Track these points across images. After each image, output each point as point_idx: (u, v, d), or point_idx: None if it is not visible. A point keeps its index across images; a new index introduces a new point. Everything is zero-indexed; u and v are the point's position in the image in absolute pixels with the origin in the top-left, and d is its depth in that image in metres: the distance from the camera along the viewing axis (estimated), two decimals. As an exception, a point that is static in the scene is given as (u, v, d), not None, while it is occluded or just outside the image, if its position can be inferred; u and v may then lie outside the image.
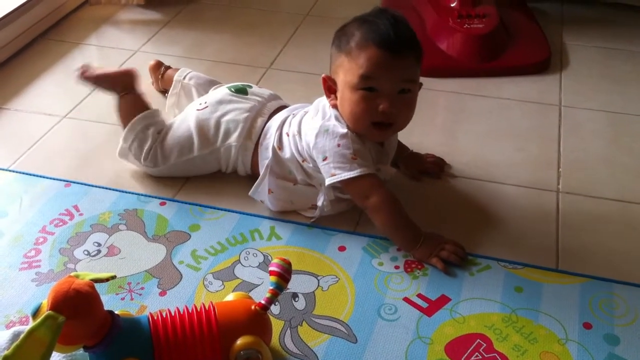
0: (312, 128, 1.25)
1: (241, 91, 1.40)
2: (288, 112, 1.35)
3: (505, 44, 1.85)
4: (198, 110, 1.37)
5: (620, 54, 1.91)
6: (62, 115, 1.60)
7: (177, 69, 1.60)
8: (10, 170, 1.41)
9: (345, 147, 1.21)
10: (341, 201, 1.29)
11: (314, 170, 1.27)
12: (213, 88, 1.49)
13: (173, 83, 1.56)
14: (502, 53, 1.83)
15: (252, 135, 1.33)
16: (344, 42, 1.21)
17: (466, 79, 1.77)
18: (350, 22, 1.23)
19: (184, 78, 1.54)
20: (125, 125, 1.37)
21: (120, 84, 1.41)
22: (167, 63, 1.82)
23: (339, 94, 1.23)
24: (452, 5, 1.89)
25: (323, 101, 1.29)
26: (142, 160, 1.36)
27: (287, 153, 1.29)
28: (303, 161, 1.28)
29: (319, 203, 1.27)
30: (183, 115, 1.40)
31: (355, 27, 1.21)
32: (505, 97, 1.71)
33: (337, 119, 1.24)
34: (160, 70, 1.66)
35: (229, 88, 1.41)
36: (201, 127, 1.35)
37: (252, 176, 1.35)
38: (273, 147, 1.29)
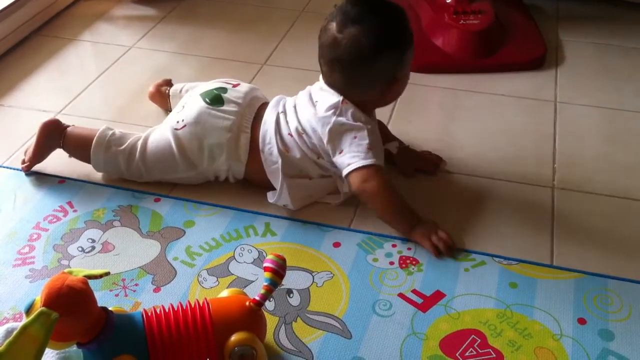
0: (322, 124, 1.25)
1: (216, 100, 1.32)
2: (274, 110, 1.32)
3: (500, 41, 1.85)
4: (176, 129, 1.31)
5: (615, 50, 1.91)
6: (56, 112, 1.60)
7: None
8: (4, 167, 1.41)
9: (362, 138, 1.24)
10: None
11: (329, 164, 1.28)
12: (187, 90, 1.45)
13: (170, 100, 1.52)
14: (498, 49, 1.83)
15: (240, 154, 1.31)
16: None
17: (462, 75, 1.77)
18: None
19: (180, 91, 1.50)
20: (87, 160, 1.35)
21: (51, 137, 1.36)
22: (161, 59, 1.82)
23: (379, 88, 1.26)
24: (447, 1, 1.89)
25: (315, 92, 1.29)
26: (127, 174, 1.35)
27: (296, 153, 1.28)
28: (318, 158, 1.28)
29: (345, 190, 1.30)
30: (161, 131, 1.34)
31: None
32: (500, 93, 1.71)
33: (352, 113, 1.25)
34: (163, 95, 1.56)
35: (203, 97, 1.33)
36: (183, 149, 1.31)
37: (247, 181, 1.34)
38: (279, 150, 1.28)
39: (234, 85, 1.37)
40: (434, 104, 1.70)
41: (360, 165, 1.23)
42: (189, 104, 1.35)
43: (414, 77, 1.75)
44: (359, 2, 1.24)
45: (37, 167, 1.40)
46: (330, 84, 1.28)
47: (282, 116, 1.31)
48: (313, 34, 1.30)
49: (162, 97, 1.56)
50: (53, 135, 1.36)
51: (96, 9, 2.04)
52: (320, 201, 1.33)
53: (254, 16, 2.06)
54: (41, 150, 1.37)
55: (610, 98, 1.69)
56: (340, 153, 1.25)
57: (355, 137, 1.25)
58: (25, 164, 1.38)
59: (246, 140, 1.31)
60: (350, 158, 1.24)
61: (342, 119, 1.25)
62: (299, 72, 1.76)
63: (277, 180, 1.28)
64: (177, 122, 1.33)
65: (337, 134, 1.25)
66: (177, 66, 1.80)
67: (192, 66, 1.79)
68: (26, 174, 1.38)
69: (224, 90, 1.35)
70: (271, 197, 1.30)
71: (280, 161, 1.27)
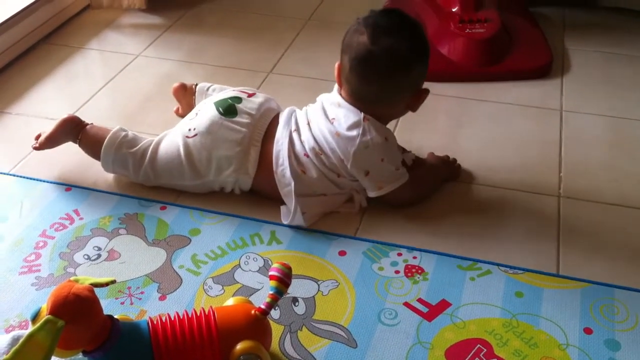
0: (345, 145, 1.25)
1: (230, 111, 1.32)
2: (286, 128, 1.30)
3: (506, 49, 1.85)
4: (188, 137, 1.32)
5: (621, 58, 1.90)
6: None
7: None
8: (11, 175, 1.42)
9: (389, 161, 1.28)
10: None
11: (350, 180, 1.30)
12: (214, 89, 1.47)
13: (195, 96, 1.52)
14: (504, 58, 1.83)
15: (249, 168, 1.30)
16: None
17: (467, 84, 1.77)
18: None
19: (207, 89, 1.50)
20: (99, 158, 1.36)
21: (69, 133, 1.38)
22: (168, 68, 1.83)
23: (407, 99, 1.29)
24: (453, 10, 1.89)
25: (330, 108, 1.28)
26: (134, 177, 1.35)
27: (313, 174, 1.28)
28: (339, 177, 1.29)
29: (364, 204, 1.33)
30: (172, 137, 1.34)
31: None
32: (506, 101, 1.71)
33: (376, 129, 1.26)
34: (188, 91, 1.55)
35: (217, 106, 1.33)
36: (191, 158, 1.31)
37: (253, 193, 1.34)
38: (293, 172, 1.27)
39: (249, 95, 1.37)
40: (440, 112, 1.70)
41: (395, 187, 1.29)
42: (203, 112, 1.35)
43: (419, 85, 1.76)
44: (389, 14, 1.26)
45: (44, 176, 1.40)
46: (360, 97, 1.26)
47: (295, 135, 1.30)
48: (319, 43, 1.30)
49: (186, 92, 1.55)
50: (71, 132, 1.38)
51: (104, 18, 2.05)
52: (334, 210, 1.33)
53: (260, 25, 2.06)
54: (55, 141, 1.39)
55: (617, 106, 1.69)
56: (367, 175, 1.27)
57: (382, 160, 1.27)
58: (37, 145, 1.40)
59: (256, 154, 1.30)
60: (381, 182, 1.28)
61: (366, 139, 1.25)
62: (305, 81, 1.76)
63: (289, 202, 1.27)
64: (190, 129, 1.33)
65: (362, 156, 1.25)
66: (183, 74, 1.80)
67: (199, 74, 1.80)
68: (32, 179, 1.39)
69: (239, 100, 1.35)
70: (285, 218, 1.28)
71: (292, 183, 1.26)
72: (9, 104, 1.66)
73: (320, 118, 1.29)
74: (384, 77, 1.24)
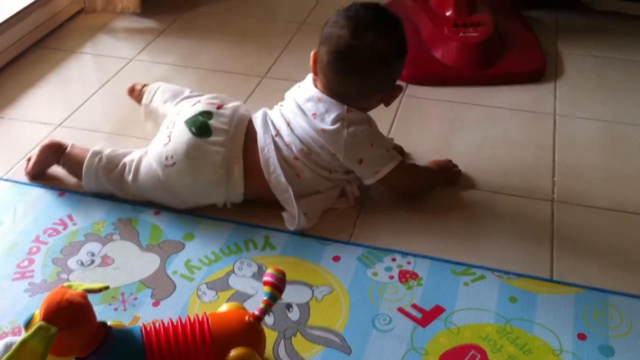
0: (333, 139, 1.25)
1: (203, 131, 1.27)
2: (267, 133, 1.28)
3: (500, 53, 1.85)
4: (167, 166, 1.27)
5: (614, 62, 1.91)
6: (57, 124, 1.60)
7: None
8: (4, 180, 1.41)
9: (378, 145, 1.29)
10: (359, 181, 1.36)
11: (342, 174, 1.31)
12: (175, 113, 1.35)
13: (142, 108, 1.49)
14: (497, 61, 1.83)
15: (236, 186, 1.28)
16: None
17: (461, 88, 1.78)
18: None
19: (150, 101, 1.47)
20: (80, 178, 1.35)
21: (52, 158, 1.38)
22: (162, 72, 1.82)
23: (384, 94, 1.30)
24: (447, 14, 1.90)
25: (307, 105, 1.28)
26: (121, 196, 1.34)
27: (307, 175, 1.28)
28: (331, 172, 1.30)
29: (356, 193, 1.34)
30: (150, 162, 1.29)
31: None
32: (500, 105, 1.71)
33: (358, 118, 1.27)
34: (138, 93, 1.54)
35: (189, 127, 1.28)
36: (173, 187, 1.28)
37: (245, 201, 1.33)
38: (289, 177, 1.26)
39: (218, 107, 1.32)
40: (434, 116, 1.70)
41: (390, 169, 1.29)
42: (176, 135, 1.29)
43: (413, 89, 1.77)
44: (371, 8, 1.25)
45: (38, 181, 1.40)
46: (337, 92, 1.26)
47: (278, 139, 1.28)
48: (314, 47, 1.30)
49: (137, 93, 1.55)
50: (52, 157, 1.39)
51: (97, 22, 2.05)
52: (331, 207, 1.33)
53: (254, 29, 2.06)
54: (41, 166, 1.40)
55: (610, 110, 1.70)
56: (361, 164, 1.28)
57: (372, 145, 1.28)
58: (29, 170, 1.40)
59: (239, 171, 1.27)
60: (376, 166, 1.28)
61: (352, 130, 1.26)
62: (299, 85, 1.76)
63: (291, 208, 1.27)
64: (167, 158, 1.28)
65: (353, 146, 1.26)
66: (176, 78, 1.80)
67: (192, 79, 1.80)
68: (30, 182, 1.39)
69: (209, 115, 1.29)
70: (290, 224, 1.27)
71: (290, 190, 1.26)
72: (2, 108, 1.65)
73: (299, 117, 1.28)
74: (364, 73, 1.24)
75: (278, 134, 1.29)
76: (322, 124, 1.26)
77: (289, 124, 1.29)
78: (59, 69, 1.83)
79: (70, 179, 1.40)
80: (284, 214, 1.28)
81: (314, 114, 1.27)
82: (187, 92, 1.44)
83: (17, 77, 1.78)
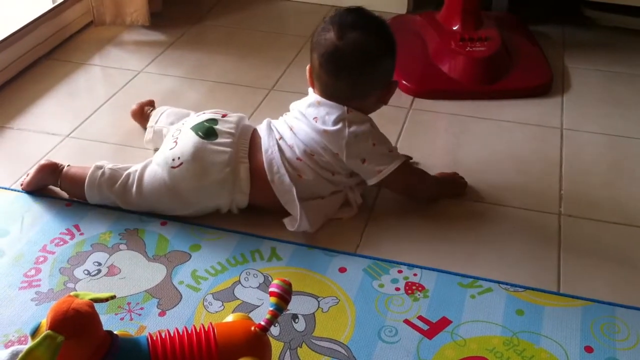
0: (335, 139, 1.28)
1: (210, 134, 1.30)
2: (271, 137, 1.31)
3: (507, 67, 1.86)
4: (173, 167, 1.29)
5: (621, 77, 1.91)
6: (65, 135, 1.61)
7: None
8: (12, 190, 1.42)
9: (381, 144, 1.31)
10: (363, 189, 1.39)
11: (345, 177, 1.33)
12: (181, 122, 1.39)
13: (148, 130, 1.52)
14: (504, 76, 1.84)
15: (242, 186, 1.30)
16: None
17: (468, 102, 1.78)
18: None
19: (156, 123, 1.49)
20: (84, 199, 1.35)
21: (48, 179, 1.38)
22: (170, 84, 1.83)
23: (379, 93, 1.32)
24: (454, 28, 1.90)
25: (308, 110, 1.30)
26: (124, 207, 1.34)
27: (310, 176, 1.29)
28: (333, 175, 1.31)
29: (358, 201, 1.36)
30: (154, 169, 1.31)
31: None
32: (507, 119, 1.72)
33: (359, 118, 1.29)
34: (146, 114, 1.58)
35: (196, 131, 1.31)
36: (178, 190, 1.29)
37: (252, 209, 1.34)
38: (293, 177, 1.28)
39: (223, 116, 1.35)
40: (440, 129, 1.70)
41: (393, 169, 1.30)
42: (182, 139, 1.31)
43: (420, 102, 1.77)
44: (353, 11, 1.30)
45: (45, 191, 1.40)
46: (332, 94, 1.30)
47: (282, 142, 1.31)
48: (320, 60, 1.31)
49: (143, 116, 1.58)
50: (48, 177, 1.38)
51: (106, 34, 2.06)
52: (334, 217, 1.34)
53: (262, 42, 2.07)
54: (35, 186, 1.39)
55: (617, 125, 1.70)
56: (364, 163, 1.29)
57: (374, 145, 1.30)
58: (22, 187, 1.40)
59: (246, 170, 1.29)
60: (378, 166, 1.30)
61: (354, 129, 1.28)
62: (306, 98, 1.76)
63: (293, 208, 1.28)
64: (173, 159, 1.29)
65: (355, 146, 1.28)
66: (184, 91, 1.81)
67: (200, 91, 1.81)
68: (28, 193, 1.39)
69: (215, 121, 1.33)
70: (290, 225, 1.28)
71: (293, 189, 1.27)
72: (11, 119, 1.67)
73: (302, 122, 1.31)
74: (353, 71, 1.27)
75: (282, 137, 1.32)
76: (323, 126, 1.29)
77: (291, 129, 1.32)
78: (67, 80, 1.84)
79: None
80: (285, 219, 1.29)
81: (315, 118, 1.30)
82: (192, 115, 1.44)
83: (26, 88, 1.79)
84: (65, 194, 1.39)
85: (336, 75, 1.28)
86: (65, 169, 1.37)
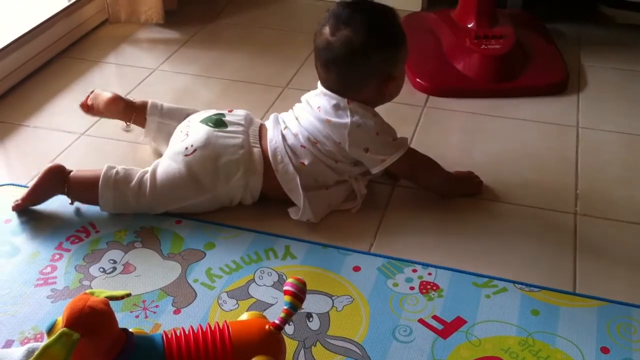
0: (338, 127, 1.30)
1: (220, 124, 1.34)
2: (276, 128, 1.34)
3: (522, 65, 1.85)
4: (187, 155, 1.30)
5: (638, 75, 1.89)
6: (81, 133, 1.62)
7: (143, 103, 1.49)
8: (28, 187, 1.42)
9: (384, 133, 1.32)
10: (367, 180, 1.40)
11: (349, 165, 1.34)
12: (187, 120, 1.40)
13: (147, 123, 1.47)
14: (519, 74, 1.83)
15: (257, 167, 1.31)
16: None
17: (483, 100, 1.77)
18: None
19: (157, 116, 1.46)
20: (94, 202, 1.32)
21: (53, 185, 1.32)
22: (184, 82, 1.84)
23: (375, 86, 1.31)
24: (469, 25, 1.89)
25: (313, 99, 1.33)
26: (137, 210, 1.33)
27: (312, 162, 1.31)
28: (336, 162, 1.32)
29: (362, 191, 1.35)
30: (167, 160, 1.32)
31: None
32: (522, 117, 1.71)
33: (362, 108, 1.30)
34: (123, 107, 1.50)
35: (206, 123, 1.34)
36: (195, 174, 1.30)
37: (263, 201, 1.34)
38: (294, 166, 1.30)
39: (229, 111, 1.40)
40: (455, 128, 1.70)
41: (397, 158, 1.31)
42: (193, 130, 1.34)
43: (435, 100, 1.76)
44: (350, 5, 1.31)
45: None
46: (328, 86, 1.32)
47: (287, 131, 1.34)
48: (335, 58, 1.30)
49: (123, 106, 1.50)
50: (57, 181, 1.32)
51: (121, 32, 2.07)
52: (338, 209, 1.35)
53: (276, 40, 2.08)
54: (40, 192, 1.33)
55: (633, 124, 1.68)
56: (367, 152, 1.30)
57: (377, 134, 1.31)
58: (17, 203, 1.33)
59: (259, 153, 1.32)
60: (382, 154, 1.31)
61: (356, 119, 1.29)
62: (320, 96, 1.76)
63: (297, 197, 1.30)
64: (186, 148, 1.31)
65: (357, 135, 1.30)
66: (198, 88, 1.81)
67: (214, 89, 1.81)
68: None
69: (223, 115, 1.38)
70: (294, 214, 1.31)
71: (297, 177, 1.29)
72: (27, 117, 1.68)
73: (307, 112, 1.34)
74: (340, 65, 1.29)
75: (287, 127, 1.34)
76: (326, 115, 1.31)
77: (297, 118, 1.34)
78: (83, 78, 1.85)
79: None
80: (290, 208, 1.31)
81: (319, 107, 1.32)
82: (195, 114, 1.43)
83: (42, 86, 1.80)
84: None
85: (326, 69, 1.31)
86: (72, 172, 1.34)
